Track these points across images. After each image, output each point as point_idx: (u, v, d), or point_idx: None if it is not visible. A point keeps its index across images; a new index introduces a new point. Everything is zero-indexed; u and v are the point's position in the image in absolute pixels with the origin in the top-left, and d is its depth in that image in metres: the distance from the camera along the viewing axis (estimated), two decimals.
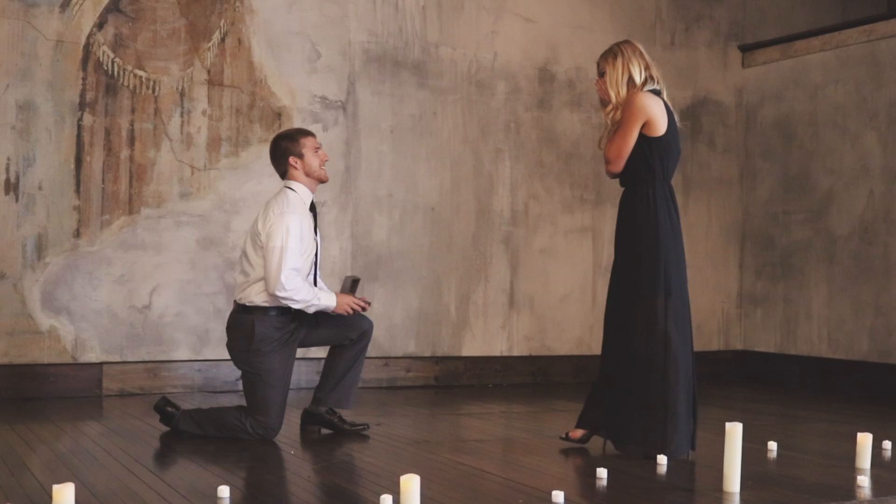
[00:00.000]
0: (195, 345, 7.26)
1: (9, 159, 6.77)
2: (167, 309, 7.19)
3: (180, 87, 7.23)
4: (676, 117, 5.24)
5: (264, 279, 5.21)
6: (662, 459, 4.85)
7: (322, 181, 5.49)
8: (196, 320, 7.26)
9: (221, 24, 7.33)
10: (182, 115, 7.23)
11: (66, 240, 6.92)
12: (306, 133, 5.49)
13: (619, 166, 5.12)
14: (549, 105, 8.47)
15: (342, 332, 5.49)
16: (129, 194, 7.08)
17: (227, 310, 7.16)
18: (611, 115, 5.15)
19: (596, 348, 8.51)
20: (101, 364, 6.99)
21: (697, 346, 8.94)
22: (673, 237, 5.13)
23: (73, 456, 4.95)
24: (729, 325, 9.19)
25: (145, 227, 7.13)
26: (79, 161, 6.95)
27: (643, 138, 5.06)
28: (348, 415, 5.81)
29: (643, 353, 5.05)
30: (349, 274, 5.47)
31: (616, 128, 5.12)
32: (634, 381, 5.06)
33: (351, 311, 5.43)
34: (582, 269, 8.56)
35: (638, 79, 5.12)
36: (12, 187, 6.77)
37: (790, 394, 8.03)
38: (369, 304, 5.55)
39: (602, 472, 4.47)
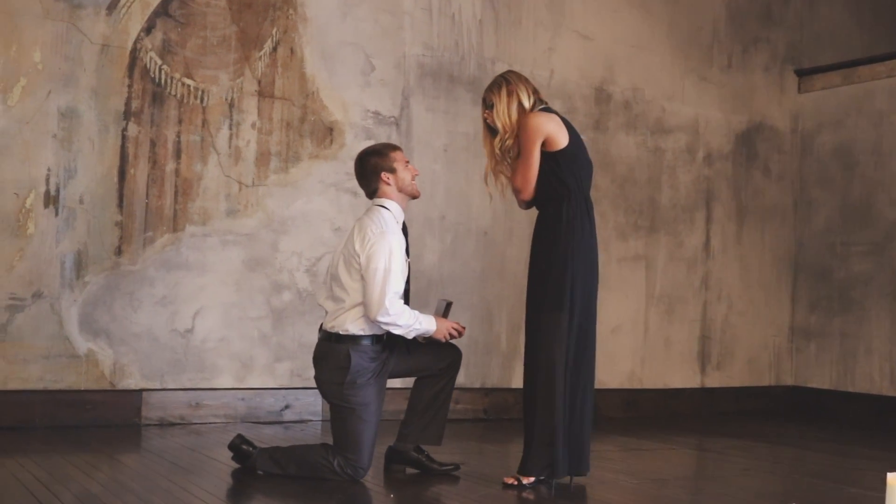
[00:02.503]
0: (239, 372, 6.81)
1: (49, 170, 6.32)
2: (210, 333, 6.74)
3: (229, 98, 6.80)
4: (577, 130, 5.14)
5: (365, 304, 4.80)
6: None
7: (414, 197, 5.12)
8: (240, 346, 6.81)
9: (274, 31, 6.91)
10: (231, 128, 6.80)
11: (107, 258, 6.47)
12: (394, 147, 5.11)
13: (530, 191, 4.96)
14: (605, 127, 8.09)
15: (432, 361, 5.08)
16: (173, 210, 6.64)
17: (273, 336, 6.79)
18: (500, 144, 5.02)
19: (648, 382, 8.18)
20: (141, 391, 6.53)
21: (748, 381, 8.69)
22: (584, 251, 4.93)
23: (110, 492, 4.57)
24: (780, 360, 8.82)
25: (190, 245, 6.69)
26: (122, 174, 6.50)
27: (547, 155, 4.92)
28: (435, 452, 5.35)
29: (534, 366, 4.91)
30: (442, 297, 5.05)
31: (515, 156, 5.01)
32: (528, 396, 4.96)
33: (449, 338, 5.02)
34: (635, 300, 8.18)
35: (527, 103, 5.00)
36: (52, 200, 6.32)
37: (846, 432, 7.65)
38: (464, 329, 5.14)
39: None
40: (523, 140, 4.94)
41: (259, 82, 6.88)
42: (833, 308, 8.55)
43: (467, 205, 7.52)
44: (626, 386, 8.08)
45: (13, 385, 6.20)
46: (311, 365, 6.91)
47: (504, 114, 5.00)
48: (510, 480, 4.91)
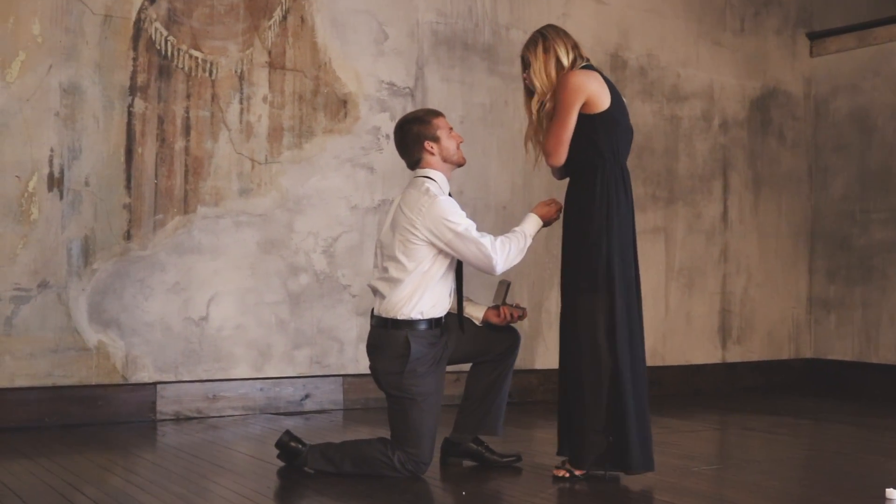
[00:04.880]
0: (256, 361, 6.43)
1: (52, 150, 5.89)
2: (226, 321, 6.35)
3: (239, 70, 6.40)
4: (622, 94, 4.73)
5: (478, 268, 4.52)
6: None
7: (460, 165, 4.73)
8: (257, 333, 6.43)
9: None
10: (241, 102, 6.40)
11: (116, 243, 6.05)
12: (436, 113, 4.72)
13: (562, 156, 4.52)
14: (622, 95, 7.74)
15: (490, 345, 4.72)
16: (184, 191, 6.23)
17: (291, 321, 6.45)
18: (538, 107, 4.60)
19: (671, 359, 7.90)
20: (155, 384, 6.13)
21: (768, 355, 8.42)
22: (621, 225, 4.51)
23: (133, 485, 4.29)
24: (799, 333, 8.58)
25: (202, 227, 6.29)
26: (129, 153, 6.08)
27: (584, 118, 4.48)
28: (495, 443, 5.00)
29: (575, 353, 4.51)
30: (500, 278, 4.71)
31: (551, 116, 4.56)
32: (568, 385, 4.57)
33: (509, 319, 4.68)
34: (654, 274, 7.88)
35: (566, 60, 4.56)
36: (56, 182, 5.89)
37: (869, 404, 7.42)
38: (525, 311, 4.79)
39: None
40: (561, 99, 4.48)
41: (269, 53, 6.48)
42: (853, 277, 8.31)
43: (485, 179, 7.18)
44: (649, 363, 7.71)
45: (21, 382, 5.79)
46: (330, 351, 6.67)
47: (541, 72, 4.56)
48: (561, 473, 4.53)
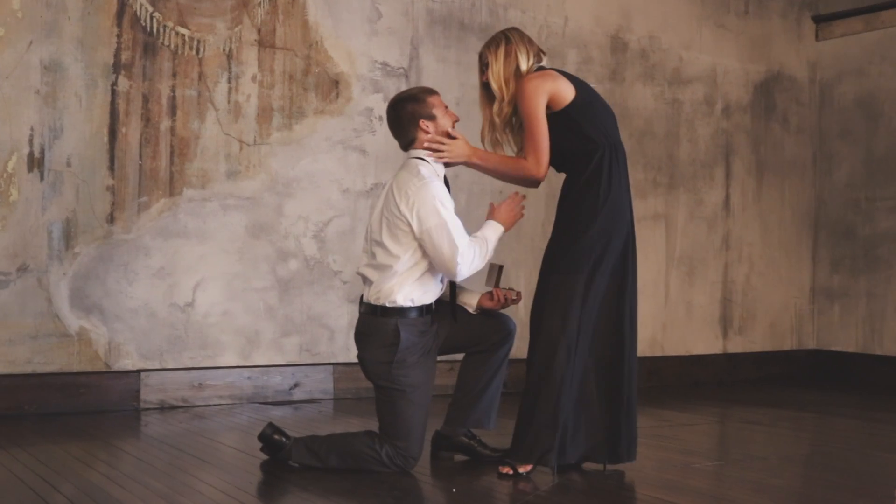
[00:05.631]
0: (244, 348, 6.24)
1: (32, 129, 5.69)
2: (212, 307, 6.16)
3: (227, 49, 6.19)
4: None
5: (439, 267, 4.26)
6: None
7: None
8: (245, 320, 6.24)
9: None
10: (229, 81, 6.19)
11: (99, 226, 5.85)
12: (431, 91, 4.50)
13: (545, 164, 4.35)
14: (622, 78, 7.57)
15: (485, 334, 4.50)
16: (169, 172, 6.03)
17: (280, 308, 6.26)
18: (498, 111, 4.44)
19: (670, 349, 7.71)
20: (139, 372, 5.94)
21: (770, 345, 8.23)
22: (615, 205, 4.33)
23: (111, 481, 4.09)
24: (802, 323, 8.39)
25: (188, 210, 6.09)
26: (113, 133, 5.88)
27: (558, 114, 4.34)
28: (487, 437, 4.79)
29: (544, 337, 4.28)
30: (493, 261, 4.51)
31: (518, 127, 4.46)
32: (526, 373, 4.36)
33: (503, 302, 4.48)
34: (654, 261, 7.69)
35: (525, 66, 4.40)
36: (37, 163, 5.69)
37: (873, 396, 7.23)
38: (520, 294, 4.58)
39: None
40: (524, 109, 4.32)
41: (259, 31, 6.27)
42: (857, 267, 8.12)
43: None
44: (648, 353, 7.60)
45: None
46: (320, 339, 6.48)
47: (500, 76, 4.40)
48: (505, 470, 4.30)
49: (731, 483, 4.41)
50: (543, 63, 4.48)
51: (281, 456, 4.36)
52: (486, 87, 4.52)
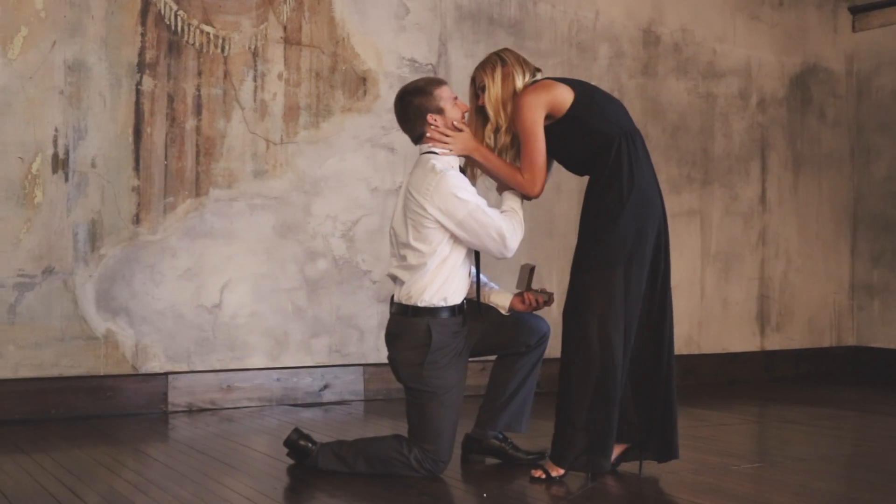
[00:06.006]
0: (273, 350, 6.15)
1: (56, 130, 5.63)
2: (240, 308, 6.08)
3: (253, 47, 6.11)
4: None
5: (487, 249, 4.19)
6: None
7: None
8: (273, 321, 6.15)
9: None
10: (255, 80, 6.11)
11: (125, 227, 5.79)
12: (438, 82, 4.36)
13: (540, 182, 4.21)
14: (654, 72, 7.43)
15: (519, 336, 4.38)
16: (195, 172, 5.96)
17: (309, 308, 6.18)
18: (492, 136, 4.29)
19: (706, 346, 7.58)
20: (166, 375, 5.87)
21: (809, 342, 8.06)
22: (643, 193, 4.16)
23: (137, 489, 4.00)
24: (841, 319, 8.22)
25: (215, 211, 6.01)
26: (138, 133, 5.81)
27: (563, 121, 4.18)
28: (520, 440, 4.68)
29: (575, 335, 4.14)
30: (524, 262, 4.40)
31: (514, 155, 4.30)
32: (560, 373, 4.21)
33: (535, 306, 4.36)
34: (689, 258, 7.55)
35: (520, 86, 4.25)
36: (61, 164, 5.63)
37: None
38: (552, 296, 4.46)
39: None
40: (521, 125, 4.17)
41: (285, 28, 6.19)
42: None
43: None
44: (684, 351, 7.46)
45: (25, 372, 5.54)
46: (350, 340, 6.39)
47: (497, 100, 4.24)
48: (537, 473, 4.17)
49: (771, 486, 4.27)
50: (538, 77, 4.34)
51: (308, 462, 4.27)
52: (480, 111, 4.35)
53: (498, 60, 4.29)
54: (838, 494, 4.22)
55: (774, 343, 7.93)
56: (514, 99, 4.23)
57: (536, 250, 6.84)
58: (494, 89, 4.24)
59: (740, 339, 7.78)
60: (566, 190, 6.93)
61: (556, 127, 4.21)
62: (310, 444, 4.28)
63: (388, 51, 6.50)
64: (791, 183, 8.03)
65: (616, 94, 7.22)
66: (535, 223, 6.80)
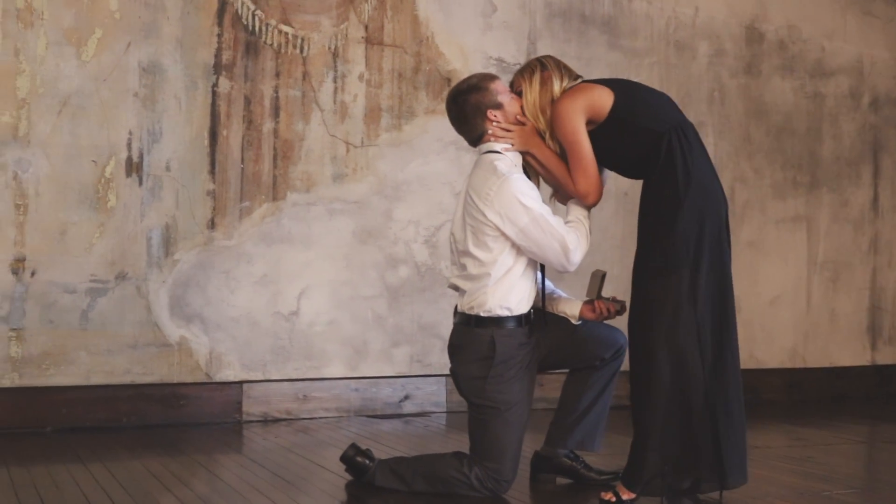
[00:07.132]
0: (351, 359, 5.98)
1: (131, 133, 5.53)
2: (318, 316, 5.92)
3: (333, 47, 5.95)
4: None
5: (548, 262, 3.95)
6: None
7: None
8: (352, 330, 5.98)
9: None
10: (335, 81, 5.95)
11: (199, 232, 5.67)
12: (491, 77, 4.15)
13: (598, 188, 3.99)
14: (758, 71, 7.07)
15: (592, 348, 4.11)
16: (272, 176, 5.81)
17: (389, 317, 5.99)
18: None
19: (812, 360, 7.19)
20: (241, 383, 5.74)
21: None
22: (703, 188, 3.85)
23: (214, 496, 3.89)
24: None
25: (292, 215, 5.86)
26: (213, 136, 5.69)
27: (607, 124, 3.95)
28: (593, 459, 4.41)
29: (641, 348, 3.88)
30: (595, 268, 4.15)
31: (556, 157, 4.08)
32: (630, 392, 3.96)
33: (605, 315, 4.09)
34: (795, 266, 7.17)
35: (558, 93, 4.04)
36: (135, 168, 5.54)
37: None
38: (624, 305, 4.17)
39: None
40: (563, 134, 3.96)
41: (366, 28, 6.01)
42: None
43: None
44: (788, 365, 7.09)
45: (97, 379, 5.46)
46: (432, 349, 6.19)
47: (535, 107, 4.04)
48: (608, 496, 3.88)
49: None
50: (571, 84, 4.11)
51: (366, 478, 4.07)
52: None
53: (538, 65, 4.12)
54: None
55: (887, 357, 7.50)
56: (553, 109, 4.02)
57: (630, 258, 6.52)
58: (532, 94, 4.06)
59: (849, 352, 7.37)
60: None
61: (601, 131, 3.96)
62: (367, 461, 4.08)
63: (475, 50, 6.29)
64: None
65: (716, 95, 6.91)
66: (630, 229, 6.49)
